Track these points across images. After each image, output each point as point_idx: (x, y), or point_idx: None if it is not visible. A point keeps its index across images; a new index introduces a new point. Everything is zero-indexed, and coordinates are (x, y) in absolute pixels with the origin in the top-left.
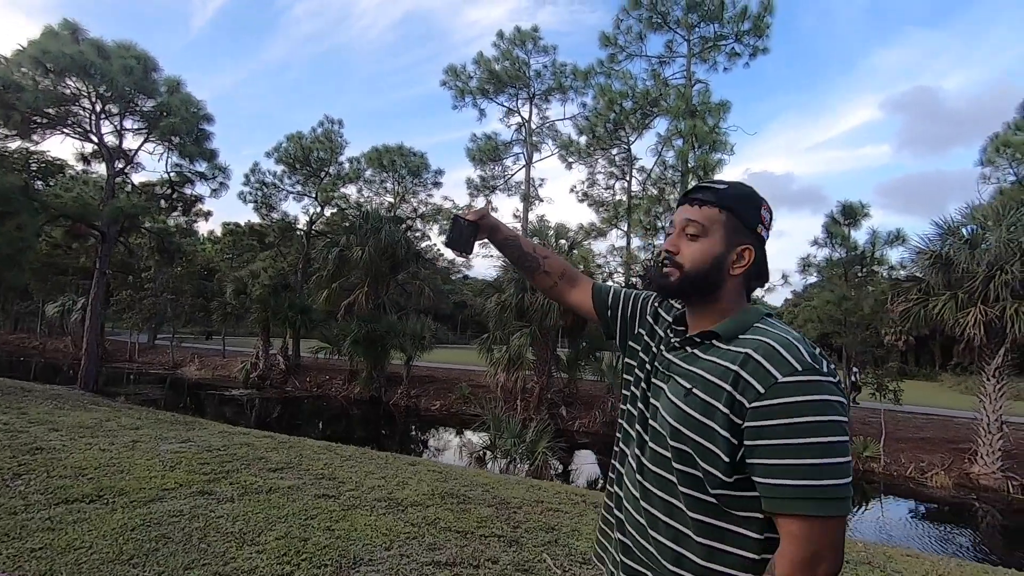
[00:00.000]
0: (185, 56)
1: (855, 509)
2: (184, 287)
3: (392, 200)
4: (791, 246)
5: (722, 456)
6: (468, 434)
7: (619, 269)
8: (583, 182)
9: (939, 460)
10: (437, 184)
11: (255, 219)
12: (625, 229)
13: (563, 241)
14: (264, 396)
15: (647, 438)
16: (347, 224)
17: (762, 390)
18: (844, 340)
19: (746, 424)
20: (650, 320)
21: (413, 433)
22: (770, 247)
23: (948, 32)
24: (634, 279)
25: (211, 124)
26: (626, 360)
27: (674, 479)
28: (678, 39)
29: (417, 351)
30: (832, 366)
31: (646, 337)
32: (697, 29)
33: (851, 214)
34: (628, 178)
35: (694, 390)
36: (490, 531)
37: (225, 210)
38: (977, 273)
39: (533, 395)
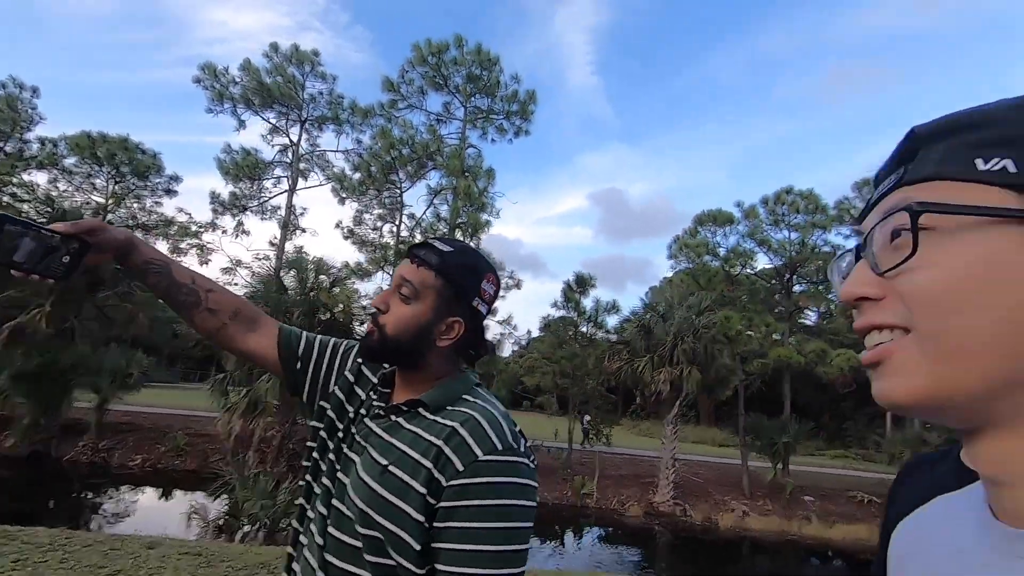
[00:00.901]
0: None
1: (577, 539)
2: None
3: (103, 201)
4: (518, 303)
5: (413, 544)
6: (182, 495)
7: None
8: (352, 219)
9: (634, 493)
10: (171, 192)
11: None
12: (391, 273)
13: (323, 277)
14: None
15: (329, 522)
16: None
17: (461, 467)
18: (572, 391)
19: (440, 504)
20: (350, 378)
21: (94, 497)
22: (510, 303)
23: (636, 151)
24: None
25: None
26: (312, 423)
27: (368, 574)
28: (456, 103)
29: (117, 392)
30: (528, 445)
31: (342, 396)
32: (474, 99)
33: (582, 284)
34: (398, 223)
35: (390, 467)
36: None
37: None
38: (667, 341)
39: (272, 446)
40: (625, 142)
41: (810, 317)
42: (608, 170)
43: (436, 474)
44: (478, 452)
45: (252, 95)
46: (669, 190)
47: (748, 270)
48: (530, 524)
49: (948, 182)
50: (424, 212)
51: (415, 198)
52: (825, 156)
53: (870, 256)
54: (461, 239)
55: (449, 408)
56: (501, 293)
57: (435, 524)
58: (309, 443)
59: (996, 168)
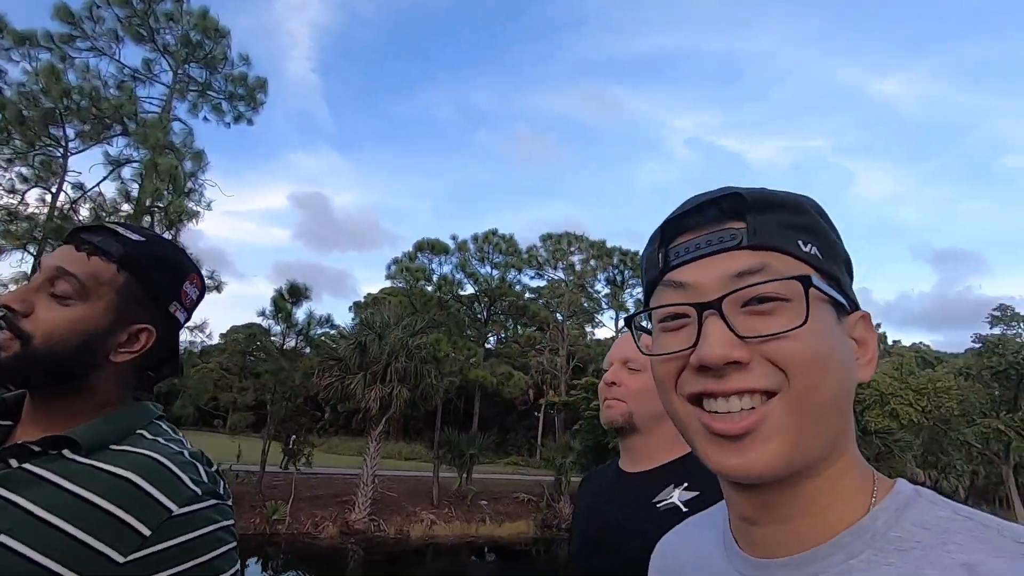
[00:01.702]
0: None
1: (265, 571)
2: None
3: None
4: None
5: None
6: None
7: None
8: None
9: (329, 514)
10: None
11: None
12: (36, 254)
13: None
14: None
15: None
16: None
17: (147, 532)
18: (273, 408)
19: None
20: None
21: None
22: (206, 307)
23: (348, 160)
24: None
25: None
26: None
27: None
28: (164, 65)
29: None
30: (225, 487)
31: None
32: (188, 67)
33: (296, 293)
34: (56, 190)
35: (3, 538)
36: None
37: None
38: (382, 360)
39: None
40: (337, 149)
41: (490, 341)
42: (315, 174)
43: (103, 549)
44: (171, 506)
45: None
46: (376, 206)
47: (456, 299)
48: (234, 568)
49: (785, 256)
50: (97, 184)
51: (87, 164)
52: (509, 204)
53: (731, 319)
54: (152, 229)
55: (114, 448)
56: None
57: None
58: None
59: (811, 252)
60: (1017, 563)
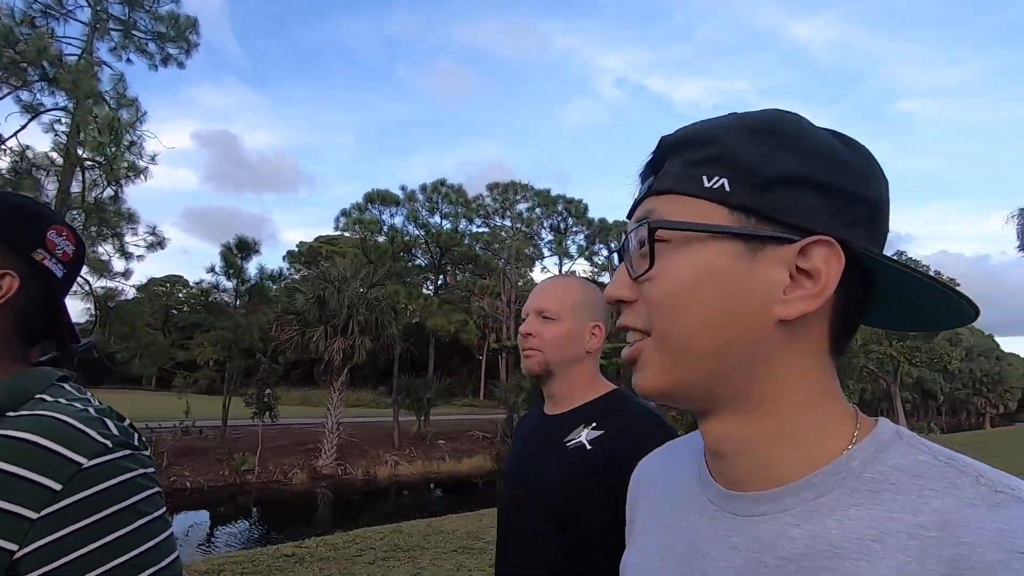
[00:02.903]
0: None
1: (242, 517)
2: None
3: None
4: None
5: None
6: None
7: None
8: None
9: (296, 461)
10: None
11: None
12: None
13: None
14: None
15: None
16: None
17: (58, 487)
18: (232, 364)
19: (27, 550)
20: None
21: None
22: (149, 265)
23: (260, 96)
24: None
25: None
26: None
27: None
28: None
29: None
30: (145, 439)
31: None
32: (108, 2)
33: (245, 248)
34: None
35: None
36: None
37: None
38: (342, 312)
39: None
40: (248, 84)
41: (429, 287)
42: (223, 110)
43: (14, 509)
44: (79, 459)
45: None
46: (292, 146)
47: (409, 252)
48: (160, 510)
49: (682, 196)
50: (15, 134)
51: (4, 113)
52: (433, 144)
53: (628, 261)
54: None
55: (11, 416)
56: (140, 252)
57: (36, 572)
58: None
59: (716, 186)
60: (993, 512)
